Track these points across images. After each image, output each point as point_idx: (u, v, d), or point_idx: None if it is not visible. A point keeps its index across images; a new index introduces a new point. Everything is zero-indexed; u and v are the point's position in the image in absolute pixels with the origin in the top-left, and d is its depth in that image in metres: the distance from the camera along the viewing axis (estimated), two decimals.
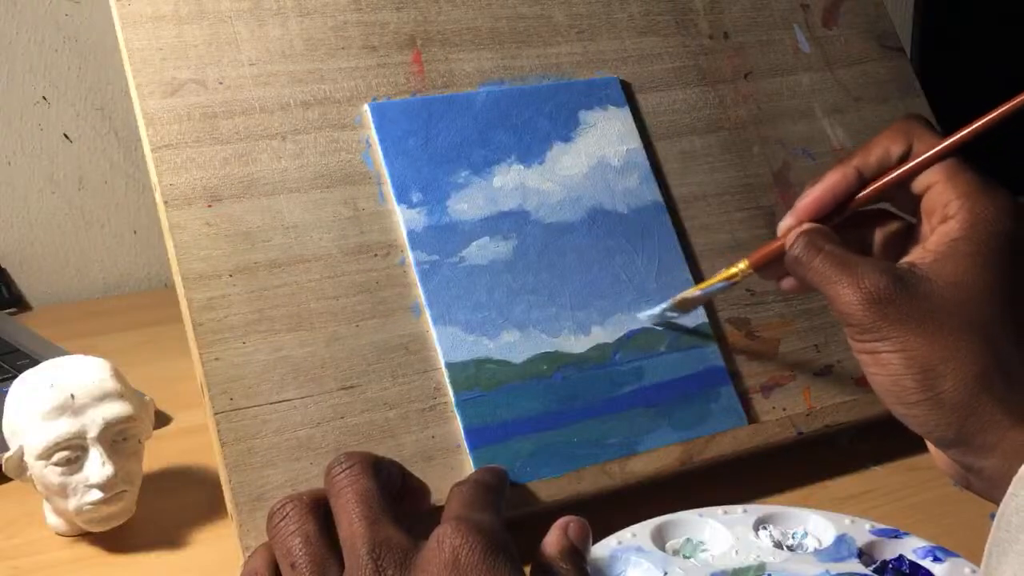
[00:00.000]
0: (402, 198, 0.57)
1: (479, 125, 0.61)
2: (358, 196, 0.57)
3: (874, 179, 0.49)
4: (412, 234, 0.57)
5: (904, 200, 0.49)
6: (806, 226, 0.49)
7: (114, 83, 0.96)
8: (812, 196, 0.50)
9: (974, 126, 0.47)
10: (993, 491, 0.42)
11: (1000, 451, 0.42)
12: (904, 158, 0.48)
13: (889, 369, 0.44)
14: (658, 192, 0.63)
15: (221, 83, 0.56)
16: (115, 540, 0.55)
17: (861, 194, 0.49)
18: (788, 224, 0.50)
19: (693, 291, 0.58)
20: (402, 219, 0.57)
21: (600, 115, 0.64)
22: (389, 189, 0.57)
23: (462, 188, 0.59)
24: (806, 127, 0.70)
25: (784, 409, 0.61)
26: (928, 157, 0.47)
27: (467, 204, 0.58)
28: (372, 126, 0.58)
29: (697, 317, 0.60)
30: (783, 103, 0.70)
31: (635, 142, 0.64)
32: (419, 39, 0.62)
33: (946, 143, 0.47)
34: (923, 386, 0.43)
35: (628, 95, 0.65)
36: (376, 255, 0.56)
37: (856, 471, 0.60)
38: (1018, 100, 0.47)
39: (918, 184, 0.48)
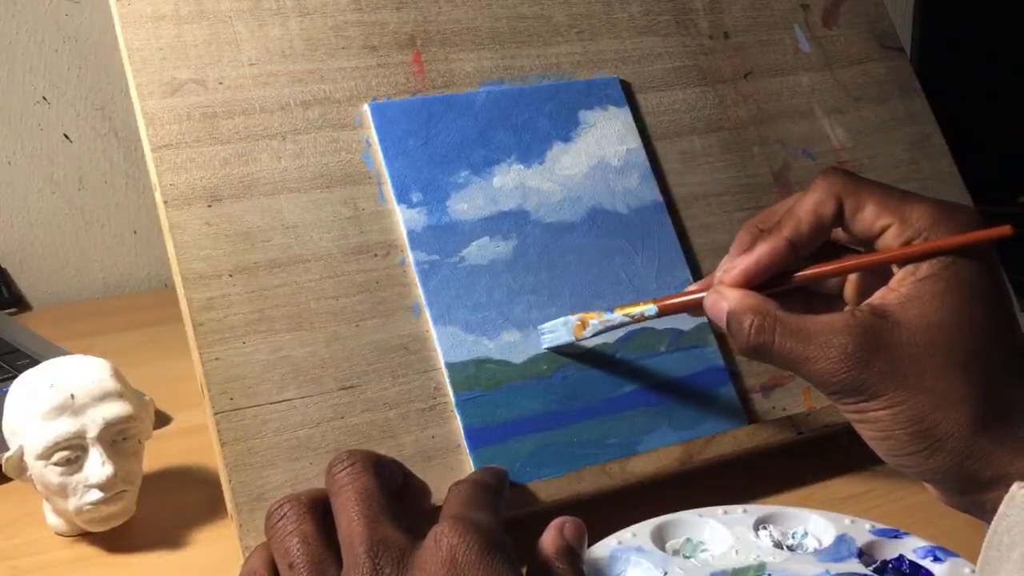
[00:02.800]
0: (402, 198, 0.57)
1: (479, 125, 0.61)
2: (358, 196, 0.57)
3: (811, 246, 0.46)
4: (412, 234, 0.57)
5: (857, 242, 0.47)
6: (741, 304, 0.46)
7: (114, 83, 0.96)
8: (740, 271, 0.47)
9: (935, 244, 0.44)
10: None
11: (1003, 484, 0.41)
12: (838, 218, 0.46)
13: (880, 426, 0.43)
14: (658, 192, 0.63)
15: (221, 83, 0.56)
16: (115, 540, 0.55)
17: (801, 274, 0.47)
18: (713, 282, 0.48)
19: (592, 315, 0.55)
20: (402, 219, 0.57)
21: (600, 115, 0.64)
22: (389, 189, 0.57)
23: (462, 188, 0.59)
24: (806, 127, 0.70)
25: (784, 409, 0.61)
26: (885, 258, 0.45)
27: (467, 204, 0.58)
28: (372, 126, 0.58)
29: (697, 317, 0.60)
30: (783, 103, 0.70)
31: (635, 142, 0.64)
32: (419, 39, 0.62)
33: (909, 251, 0.44)
34: (917, 437, 0.42)
35: (628, 95, 0.65)
36: (376, 255, 0.56)
37: (856, 471, 0.60)
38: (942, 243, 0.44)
39: (872, 229, 0.45)
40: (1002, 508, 0.39)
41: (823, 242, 0.47)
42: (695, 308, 0.50)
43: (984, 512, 0.43)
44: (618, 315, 0.54)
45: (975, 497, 0.43)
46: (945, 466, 0.43)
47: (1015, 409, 0.43)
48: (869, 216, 0.45)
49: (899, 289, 0.44)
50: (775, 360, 0.45)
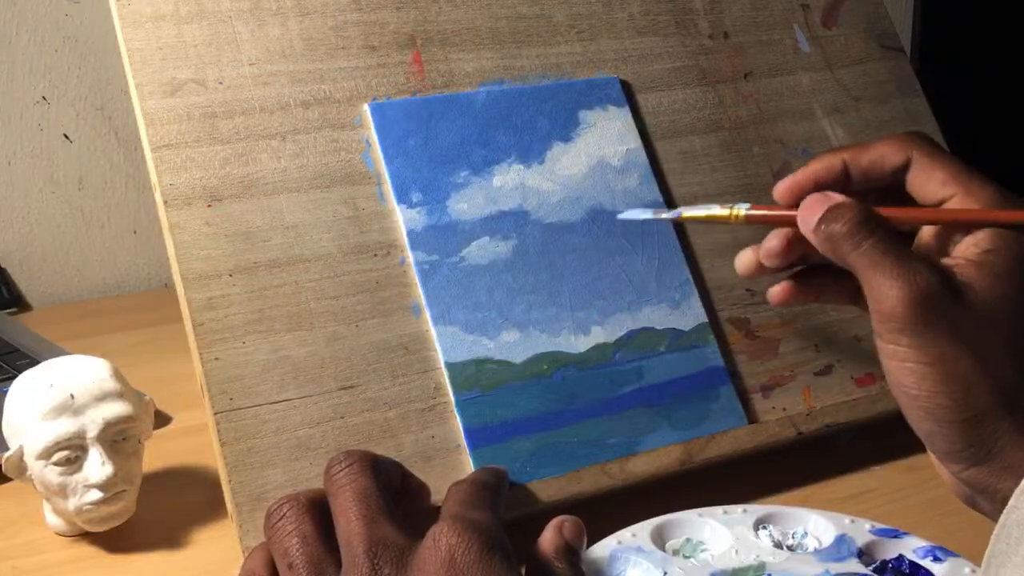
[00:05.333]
0: (402, 198, 0.57)
1: (479, 125, 0.61)
2: (358, 196, 0.57)
3: (863, 181, 0.47)
4: (412, 234, 0.57)
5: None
6: (848, 201, 0.45)
7: (114, 83, 0.96)
8: (792, 179, 0.47)
9: None
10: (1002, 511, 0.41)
11: (1015, 475, 0.41)
12: (902, 170, 0.46)
13: (924, 385, 0.41)
14: (658, 192, 0.63)
15: (221, 83, 0.56)
16: (115, 540, 0.55)
17: (892, 213, 0.45)
18: (781, 192, 0.48)
19: (685, 209, 0.52)
20: (402, 219, 0.57)
21: (600, 115, 0.64)
22: (389, 189, 0.57)
23: (462, 188, 0.59)
24: (806, 127, 0.70)
25: (784, 409, 0.61)
26: (986, 218, 0.44)
27: (467, 204, 0.58)
28: (372, 126, 0.58)
29: (697, 317, 0.60)
30: (783, 103, 0.70)
31: (635, 142, 0.64)
32: (419, 39, 0.62)
33: (1011, 215, 0.43)
34: (961, 405, 0.41)
35: (628, 95, 0.65)
36: (376, 255, 0.56)
37: (856, 471, 0.60)
38: None
39: (936, 195, 0.45)
40: (1012, 501, 0.38)
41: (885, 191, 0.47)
42: (783, 223, 0.48)
43: (996, 502, 0.42)
44: (704, 208, 0.51)
45: (993, 483, 0.42)
46: (978, 441, 0.41)
47: None
48: (936, 182, 0.45)
49: (966, 256, 0.43)
50: (854, 257, 0.43)
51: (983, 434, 0.41)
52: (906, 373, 0.42)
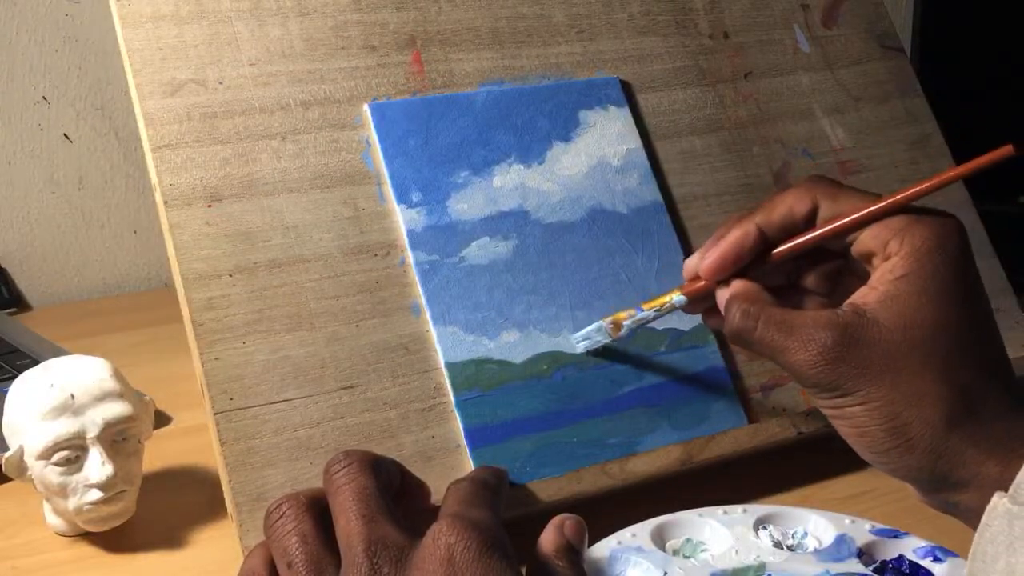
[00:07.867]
0: (402, 198, 0.57)
1: (479, 125, 0.61)
2: (358, 196, 0.57)
3: (780, 237, 0.48)
4: (412, 234, 0.57)
5: (834, 242, 0.49)
6: (737, 290, 0.48)
7: (114, 83, 0.96)
8: (714, 256, 0.49)
9: (898, 196, 0.46)
10: (973, 522, 0.42)
11: (975, 485, 0.42)
12: (810, 218, 0.48)
13: (856, 422, 0.44)
14: (658, 192, 0.63)
15: (221, 83, 0.56)
16: (115, 540, 0.55)
17: (777, 250, 0.48)
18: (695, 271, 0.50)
19: (623, 315, 0.56)
20: (402, 219, 0.57)
21: (600, 115, 0.64)
22: (389, 189, 0.57)
23: (462, 188, 0.59)
24: (806, 127, 0.70)
25: (784, 409, 0.61)
26: (854, 219, 0.46)
27: (467, 204, 0.58)
28: (372, 126, 0.58)
29: (697, 317, 0.60)
30: (783, 103, 0.70)
31: (635, 142, 0.64)
32: (419, 39, 0.62)
33: (873, 208, 0.46)
34: (892, 434, 0.43)
35: (628, 95, 0.65)
36: (376, 255, 0.56)
37: (856, 471, 0.60)
38: (955, 172, 0.46)
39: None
40: (984, 519, 0.39)
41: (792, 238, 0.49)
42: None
43: (959, 512, 0.44)
44: (649, 312, 0.55)
45: (949, 496, 0.44)
46: (920, 464, 0.43)
47: (987, 409, 0.43)
48: (842, 219, 0.47)
49: (878, 288, 0.45)
50: (755, 347, 0.46)
51: (923, 456, 0.43)
52: (840, 419, 0.45)
